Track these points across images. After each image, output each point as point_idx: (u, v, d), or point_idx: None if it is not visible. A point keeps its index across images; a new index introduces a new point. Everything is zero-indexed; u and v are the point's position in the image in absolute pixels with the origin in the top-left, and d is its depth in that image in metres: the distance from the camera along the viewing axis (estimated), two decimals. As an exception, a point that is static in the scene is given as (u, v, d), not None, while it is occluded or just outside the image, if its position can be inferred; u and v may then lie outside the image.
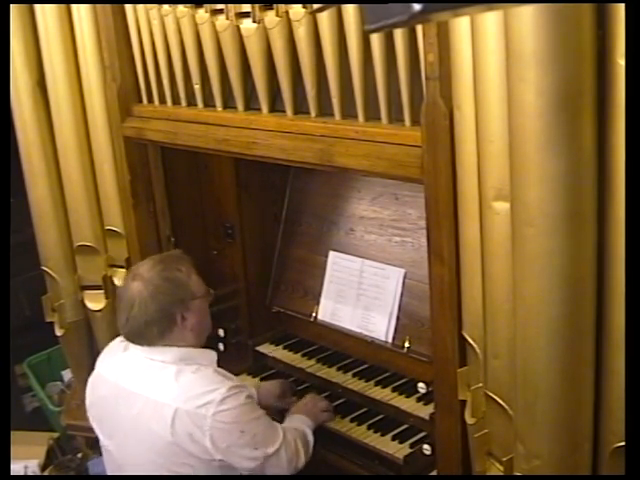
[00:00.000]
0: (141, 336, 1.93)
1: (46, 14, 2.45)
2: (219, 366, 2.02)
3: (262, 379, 2.56)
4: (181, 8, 2.12)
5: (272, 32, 1.91)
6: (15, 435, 2.86)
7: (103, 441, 2.08)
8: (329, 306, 2.55)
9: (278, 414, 2.25)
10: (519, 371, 1.46)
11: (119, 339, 2.05)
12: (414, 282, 2.32)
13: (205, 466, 1.89)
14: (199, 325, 1.99)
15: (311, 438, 2.11)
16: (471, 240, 1.62)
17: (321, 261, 2.59)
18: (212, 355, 2.02)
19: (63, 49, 2.48)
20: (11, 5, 2.49)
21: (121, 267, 2.69)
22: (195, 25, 2.11)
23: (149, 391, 1.90)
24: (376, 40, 1.72)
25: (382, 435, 2.22)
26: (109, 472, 2.13)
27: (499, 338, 1.57)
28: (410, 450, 2.14)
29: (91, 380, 2.11)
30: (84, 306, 2.79)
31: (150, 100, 2.43)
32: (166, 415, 1.85)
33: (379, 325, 2.39)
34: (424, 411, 2.22)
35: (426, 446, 2.08)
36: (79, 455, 3.23)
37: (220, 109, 2.20)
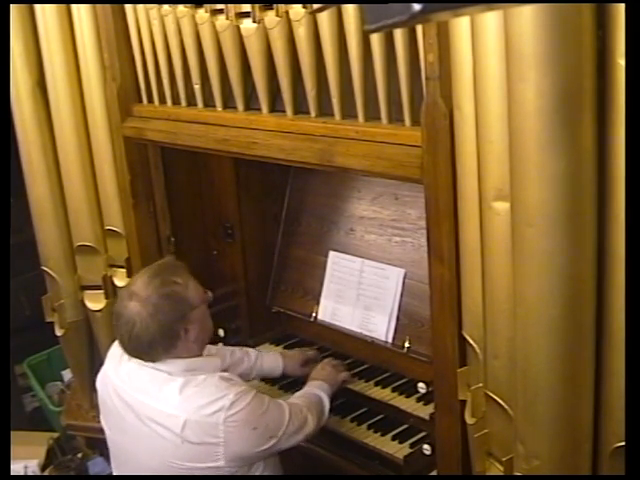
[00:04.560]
0: (145, 354, 1.91)
1: (46, 14, 2.45)
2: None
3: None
4: (181, 8, 2.12)
5: (272, 32, 1.91)
6: (15, 435, 2.86)
7: (110, 435, 2.08)
8: (329, 306, 2.55)
9: (303, 382, 2.31)
10: (519, 371, 1.46)
11: None
12: (414, 282, 2.32)
13: (212, 471, 1.88)
14: (202, 333, 1.97)
15: (326, 402, 2.15)
16: (471, 240, 1.62)
17: (321, 261, 2.59)
18: (216, 362, 2.02)
19: (63, 49, 2.48)
20: (11, 5, 2.49)
21: (121, 267, 2.69)
22: (195, 25, 2.11)
23: (156, 401, 1.89)
24: (376, 40, 1.72)
25: (382, 435, 2.22)
26: (114, 462, 2.13)
27: (499, 338, 1.57)
28: (410, 450, 2.14)
29: (100, 375, 2.10)
30: (84, 306, 2.79)
31: (150, 100, 2.43)
32: (175, 425, 1.84)
33: (379, 325, 2.39)
34: (424, 411, 2.22)
35: (426, 446, 2.08)
36: (79, 455, 3.23)
37: (220, 109, 2.20)
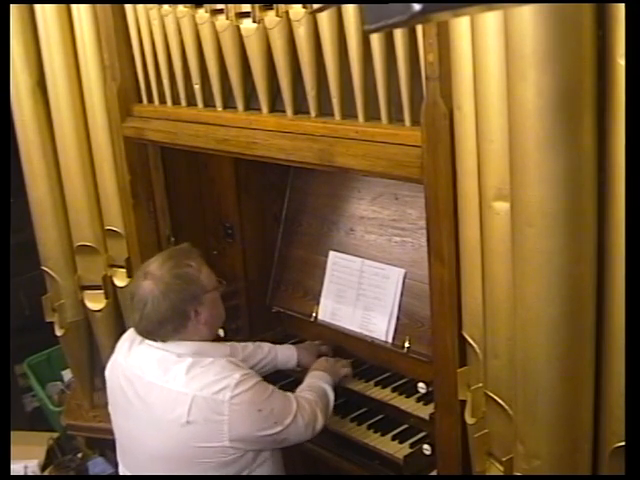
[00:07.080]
0: (155, 334, 1.95)
1: (46, 14, 2.45)
2: None
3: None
4: (181, 8, 2.12)
5: (272, 32, 1.91)
6: (15, 435, 2.87)
7: (117, 422, 2.10)
8: (329, 306, 2.55)
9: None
10: (519, 371, 1.46)
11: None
12: (414, 282, 2.32)
13: (218, 452, 1.90)
14: (212, 318, 2.01)
15: (331, 395, 2.16)
16: (471, 240, 1.62)
17: (321, 261, 2.59)
18: (225, 349, 2.06)
19: (63, 49, 2.48)
20: (11, 5, 2.49)
21: (121, 267, 2.69)
22: (195, 25, 2.11)
23: (164, 380, 1.92)
24: (376, 40, 1.72)
25: (382, 435, 2.22)
26: (120, 450, 2.14)
27: (499, 338, 1.57)
28: (410, 450, 2.14)
29: (109, 365, 2.12)
30: (84, 306, 2.79)
31: (150, 100, 2.43)
32: (183, 402, 1.87)
33: (379, 325, 2.39)
34: (424, 411, 2.22)
35: (426, 446, 2.08)
36: (79, 455, 3.24)
37: (220, 109, 2.20)
